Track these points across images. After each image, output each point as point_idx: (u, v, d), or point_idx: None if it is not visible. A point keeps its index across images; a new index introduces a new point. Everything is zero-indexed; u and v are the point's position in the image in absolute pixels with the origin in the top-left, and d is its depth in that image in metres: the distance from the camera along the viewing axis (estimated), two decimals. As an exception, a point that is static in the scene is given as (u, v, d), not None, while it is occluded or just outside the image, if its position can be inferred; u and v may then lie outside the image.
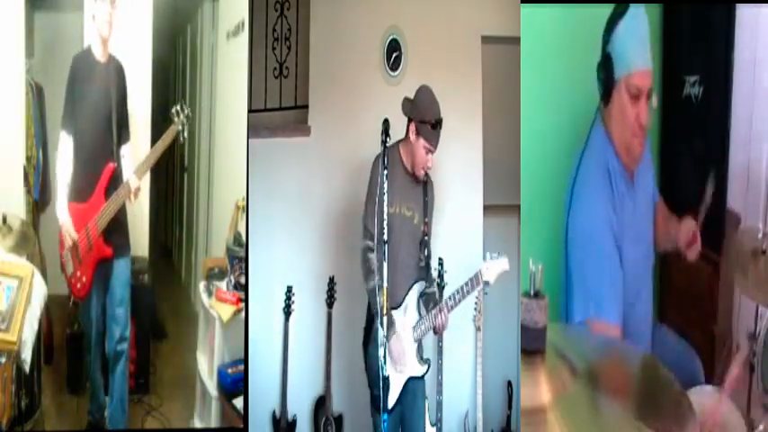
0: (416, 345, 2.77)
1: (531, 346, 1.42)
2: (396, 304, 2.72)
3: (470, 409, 3.46)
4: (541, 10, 2.80)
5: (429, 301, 2.80)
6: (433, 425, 3.29)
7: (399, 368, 2.73)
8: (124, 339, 3.00)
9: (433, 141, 2.69)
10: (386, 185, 2.51)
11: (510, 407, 3.56)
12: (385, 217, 2.50)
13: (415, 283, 2.77)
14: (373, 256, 2.70)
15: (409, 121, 2.74)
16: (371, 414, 2.79)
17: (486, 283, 2.58)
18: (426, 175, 2.81)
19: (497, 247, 3.53)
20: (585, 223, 2.47)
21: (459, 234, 3.23)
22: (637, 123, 2.45)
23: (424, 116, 2.69)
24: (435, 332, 2.75)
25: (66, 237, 2.91)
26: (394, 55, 3.52)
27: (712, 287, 2.94)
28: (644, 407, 1.45)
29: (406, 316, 2.76)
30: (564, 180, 2.59)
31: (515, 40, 2.79)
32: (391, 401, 2.69)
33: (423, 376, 2.82)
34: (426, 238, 2.79)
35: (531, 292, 1.41)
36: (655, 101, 2.48)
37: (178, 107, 2.87)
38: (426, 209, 2.80)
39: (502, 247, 3.53)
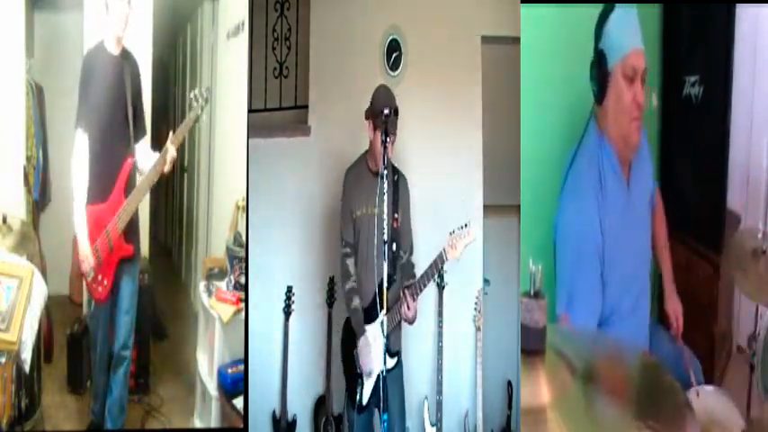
0: (384, 340, 2.70)
1: (531, 346, 1.42)
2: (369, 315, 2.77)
3: (470, 409, 3.45)
4: (541, 10, 2.80)
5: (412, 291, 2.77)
6: (432, 425, 3.30)
7: (367, 372, 2.78)
8: (127, 347, 2.97)
9: (390, 129, 2.67)
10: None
11: (510, 407, 3.56)
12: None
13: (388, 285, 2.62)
14: (350, 261, 2.85)
15: (366, 119, 2.81)
16: (346, 410, 2.90)
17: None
18: (397, 171, 2.83)
19: (497, 247, 3.55)
20: (569, 224, 2.48)
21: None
22: (634, 104, 2.43)
23: (376, 109, 2.74)
24: (409, 323, 2.78)
25: (80, 246, 2.76)
26: (394, 55, 3.51)
27: (712, 287, 2.94)
28: (643, 407, 1.44)
29: (377, 324, 2.75)
30: (563, 180, 2.59)
31: (515, 40, 2.79)
32: (366, 397, 2.78)
33: (395, 368, 2.82)
34: (396, 232, 2.75)
35: (531, 292, 1.41)
36: (655, 100, 2.48)
37: (197, 92, 2.84)
38: (397, 204, 2.79)
39: (502, 248, 3.55)
